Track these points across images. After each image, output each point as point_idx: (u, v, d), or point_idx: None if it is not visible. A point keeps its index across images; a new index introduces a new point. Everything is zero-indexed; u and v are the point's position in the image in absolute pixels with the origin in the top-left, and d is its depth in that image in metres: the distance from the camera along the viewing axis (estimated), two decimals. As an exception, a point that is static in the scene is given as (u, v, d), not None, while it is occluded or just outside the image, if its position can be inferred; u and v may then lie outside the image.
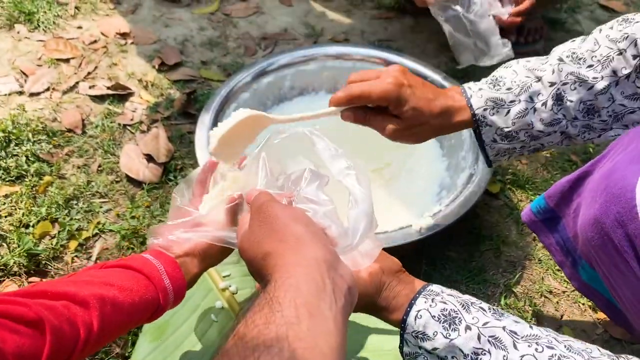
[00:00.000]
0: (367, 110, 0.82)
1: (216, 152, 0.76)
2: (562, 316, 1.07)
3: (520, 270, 1.13)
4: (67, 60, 1.50)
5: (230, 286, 0.99)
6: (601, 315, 1.07)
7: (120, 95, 1.42)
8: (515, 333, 0.58)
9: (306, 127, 0.69)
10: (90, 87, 1.43)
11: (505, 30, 1.57)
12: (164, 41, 1.60)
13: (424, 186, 1.22)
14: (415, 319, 0.62)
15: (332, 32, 1.70)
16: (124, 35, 1.60)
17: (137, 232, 1.11)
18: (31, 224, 1.12)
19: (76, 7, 1.66)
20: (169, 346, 0.92)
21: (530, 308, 1.07)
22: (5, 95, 1.38)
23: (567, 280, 1.12)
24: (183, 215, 0.75)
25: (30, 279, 1.04)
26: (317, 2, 1.80)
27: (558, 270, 1.14)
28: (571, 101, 0.77)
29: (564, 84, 0.77)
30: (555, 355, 0.55)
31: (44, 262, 1.07)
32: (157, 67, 1.50)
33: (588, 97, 0.76)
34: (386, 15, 1.77)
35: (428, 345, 0.61)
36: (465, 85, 0.85)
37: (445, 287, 1.08)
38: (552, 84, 0.78)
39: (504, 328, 0.58)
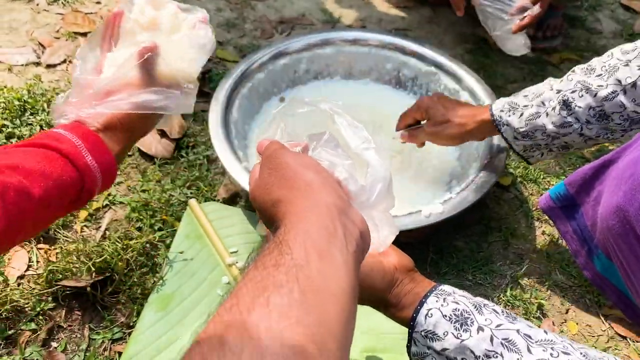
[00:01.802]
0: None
1: None
2: (567, 310, 1.07)
3: (527, 262, 1.13)
4: (84, 34, 1.51)
5: (237, 262, 0.99)
6: (607, 311, 1.06)
7: (135, 71, 1.42)
8: (530, 337, 0.56)
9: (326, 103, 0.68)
10: (106, 62, 1.43)
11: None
12: (182, 20, 1.60)
13: (434, 175, 1.22)
14: (425, 318, 0.61)
15: (349, 19, 1.69)
16: (142, 12, 1.60)
17: (148, 205, 1.11)
18: (43, 192, 1.12)
19: (96, -17, 1.67)
20: (174, 317, 0.93)
21: (536, 300, 1.06)
22: (23, 65, 1.39)
23: (574, 275, 1.11)
24: (88, 86, 0.64)
25: (39, 246, 1.05)
26: (336, -11, 1.79)
27: (566, 264, 1.13)
28: (580, 107, 0.84)
29: (572, 91, 0.85)
30: None
31: (53, 229, 1.07)
32: (173, 45, 1.51)
33: (595, 104, 0.82)
34: (404, 4, 1.76)
35: (437, 345, 0.59)
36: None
37: (452, 275, 1.09)
38: (559, 91, 0.88)
39: (517, 331, 0.57)
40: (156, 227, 1.08)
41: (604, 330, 1.04)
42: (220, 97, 1.18)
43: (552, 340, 0.56)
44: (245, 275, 0.39)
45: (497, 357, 0.55)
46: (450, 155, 1.24)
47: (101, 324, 0.96)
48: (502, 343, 0.56)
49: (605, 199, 0.70)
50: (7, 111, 1.24)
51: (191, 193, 1.16)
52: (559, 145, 0.90)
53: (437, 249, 1.13)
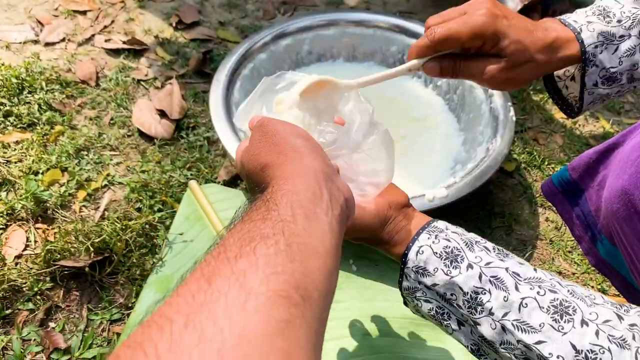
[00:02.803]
0: (455, 58, 0.70)
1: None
2: (570, 297, 1.06)
3: (530, 249, 1.12)
4: (84, 13, 1.48)
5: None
6: (610, 298, 1.05)
7: (135, 50, 1.40)
8: (518, 275, 0.56)
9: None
10: (106, 41, 1.41)
11: (529, 9, 1.54)
12: (183, -1, 1.57)
13: (438, 160, 1.20)
14: (416, 254, 0.61)
15: (352, 0, 1.66)
16: (142, -9, 1.57)
17: (147, 186, 1.10)
18: (41, 171, 1.11)
19: (95, -40, 1.64)
20: (173, 299, 0.92)
21: (538, 287, 1.06)
22: (21, 43, 1.37)
23: (577, 262, 1.10)
24: None
25: (37, 225, 1.04)
26: (340, -29, 1.76)
27: (569, 251, 1.12)
28: None
29: None
30: (557, 299, 0.53)
31: (51, 209, 1.06)
32: (174, 24, 1.48)
33: None
34: (409, -13, 1.73)
35: (428, 280, 0.60)
36: (565, 16, 0.73)
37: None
38: None
39: (506, 269, 0.56)
40: (156, 208, 1.07)
41: (607, 318, 1.03)
42: (221, 77, 1.16)
43: (540, 279, 0.56)
44: (232, 228, 0.39)
45: (485, 293, 0.56)
46: (455, 140, 1.23)
47: (99, 305, 0.95)
48: (490, 280, 0.56)
49: (610, 182, 0.68)
50: (5, 89, 1.22)
51: (191, 174, 1.14)
52: (627, 90, 0.74)
53: (440, 234, 1.12)
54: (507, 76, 0.69)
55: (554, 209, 1.12)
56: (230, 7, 1.58)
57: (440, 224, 0.64)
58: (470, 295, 0.56)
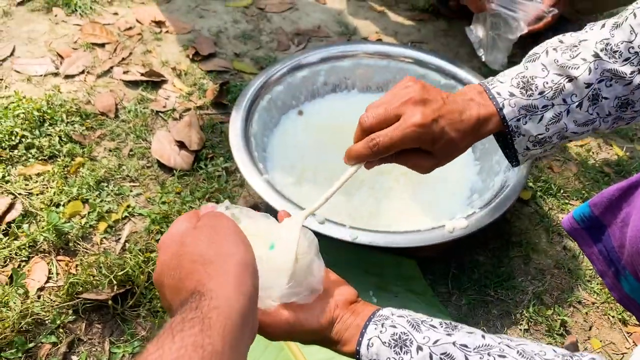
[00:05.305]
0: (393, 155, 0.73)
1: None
2: (590, 327, 1.05)
3: (549, 278, 1.12)
4: (102, 45, 1.51)
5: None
6: (631, 329, 1.05)
7: (153, 82, 1.42)
8: (466, 346, 0.57)
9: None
10: (124, 73, 1.44)
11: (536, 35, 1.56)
12: (198, 31, 1.60)
13: (453, 190, 1.21)
14: (367, 348, 0.61)
15: (365, 31, 1.69)
16: (159, 23, 1.61)
17: (167, 217, 1.11)
18: (62, 203, 1.12)
19: (113, -6, 1.68)
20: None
21: (558, 318, 1.05)
22: (41, 76, 1.39)
23: (596, 291, 1.10)
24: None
25: (59, 257, 1.05)
26: (351, 1, 1.80)
27: (588, 280, 1.12)
28: (606, 98, 0.72)
29: (600, 81, 0.72)
30: None
31: (73, 241, 1.07)
32: (190, 56, 1.51)
33: (623, 93, 0.72)
34: (419, 17, 1.76)
35: None
36: (490, 86, 0.76)
37: (473, 290, 1.08)
38: (588, 85, 0.72)
39: (454, 343, 0.58)
40: (176, 240, 1.07)
41: (628, 348, 1.03)
42: (240, 109, 1.18)
43: (489, 345, 0.57)
44: (162, 343, 0.41)
45: None
46: (471, 170, 1.24)
47: (122, 338, 0.95)
48: (441, 358, 0.57)
49: (635, 222, 0.69)
50: (27, 122, 1.25)
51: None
52: (563, 145, 0.81)
53: (458, 264, 1.12)
54: (434, 164, 0.75)
55: (571, 238, 1.12)
56: (245, 38, 1.61)
57: (385, 311, 0.64)
58: None
